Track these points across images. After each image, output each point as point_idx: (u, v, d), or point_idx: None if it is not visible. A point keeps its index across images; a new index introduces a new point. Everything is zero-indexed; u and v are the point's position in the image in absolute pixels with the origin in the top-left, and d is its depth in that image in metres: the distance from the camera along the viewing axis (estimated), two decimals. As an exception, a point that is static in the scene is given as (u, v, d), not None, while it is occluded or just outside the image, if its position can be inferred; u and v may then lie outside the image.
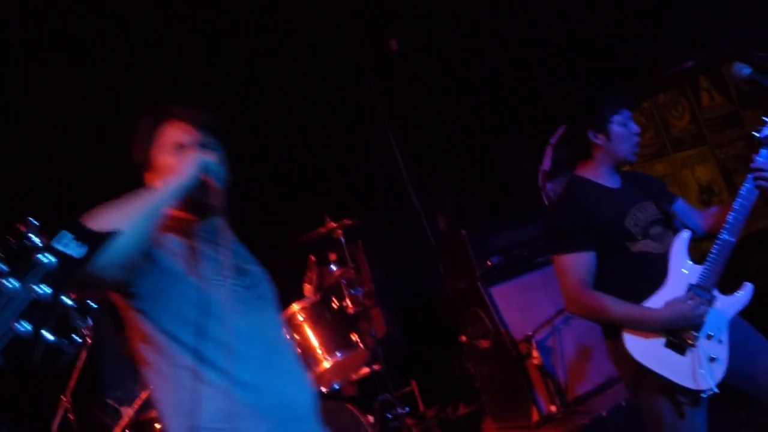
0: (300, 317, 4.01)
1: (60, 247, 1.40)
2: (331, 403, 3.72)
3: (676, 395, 2.65)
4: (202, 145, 2.10)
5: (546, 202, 5.45)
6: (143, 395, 3.69)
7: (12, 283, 1.32)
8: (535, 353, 4.51)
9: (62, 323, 1.39)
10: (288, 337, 3.02)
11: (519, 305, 4.73)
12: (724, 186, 7.47)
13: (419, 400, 5.60)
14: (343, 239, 4.52)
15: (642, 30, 5.32)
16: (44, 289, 1.36)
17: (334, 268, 4.35)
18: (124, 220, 1.75)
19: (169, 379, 1.94)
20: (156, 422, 3.79)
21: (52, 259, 1.38)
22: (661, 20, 5.34)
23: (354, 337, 4.02)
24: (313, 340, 3.94)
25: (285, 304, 4.70)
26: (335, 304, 4.07)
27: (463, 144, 6.20)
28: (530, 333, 4.53)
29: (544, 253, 4.95)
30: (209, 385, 1.91)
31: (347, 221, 4.50)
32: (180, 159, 2.03)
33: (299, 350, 3.92)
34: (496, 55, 5.83)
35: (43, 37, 5.28)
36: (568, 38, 5.50)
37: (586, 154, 2.93)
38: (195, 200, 2.01)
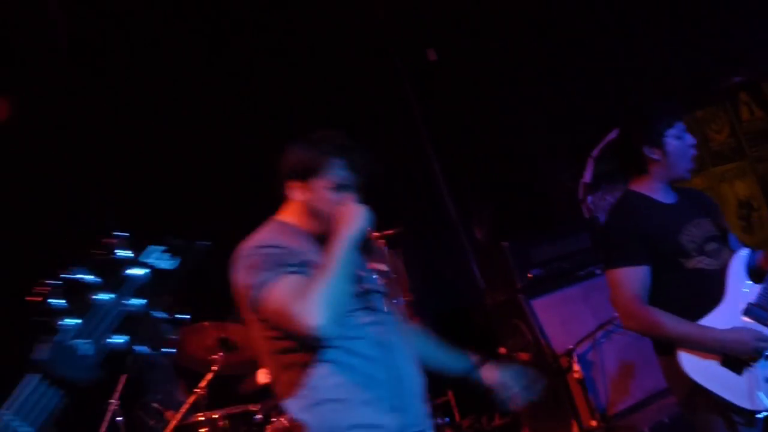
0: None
1: (150, 261, 1.44)
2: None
3: (731, 414, 2.64)
4: (354, 189, 2.42)
5: (587, 215, 5.44)
6: (190, 399, 3.74)
7: (106, 297, 1.36)
8: (576, 367, 4.51)
9: (154, 335, 1.43)
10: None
11: (560, 318, 4.73)
12: (763, 201, 7.39)
13: (455, 410, 5.60)
14: (386, 248, 4.53)
15: (686, 45, 5.32)
16: (136, 302, 1.40)
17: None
18: (335, 284, 2.16)
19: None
20: (200, 427, 3.85)
21: (143, 272, 1.42)
22: (704, 37, 5.34)
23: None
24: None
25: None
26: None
27: (502, 155, 6.22)
28: (571, 347, 4.52)
29: (586, 267, 4.96)
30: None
31: (390, 231, 4.52)
32: (338, 201, 2.35)
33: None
34: (536, 67, 5.85)
35: (91, 46, 5.40)
36: (611, 52, 5.52)
37: (640, 169, 2.93)
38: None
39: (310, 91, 6.03)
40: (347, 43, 6.26)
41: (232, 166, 5.48)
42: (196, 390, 3.82)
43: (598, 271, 4.79)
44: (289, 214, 2.46)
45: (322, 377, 2.28)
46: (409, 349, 2.47)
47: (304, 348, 2.27)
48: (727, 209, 7.29)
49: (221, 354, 3.95)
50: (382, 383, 2.31)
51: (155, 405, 4.13)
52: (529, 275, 4.76)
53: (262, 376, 4.35)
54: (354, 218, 2.28)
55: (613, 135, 5.34)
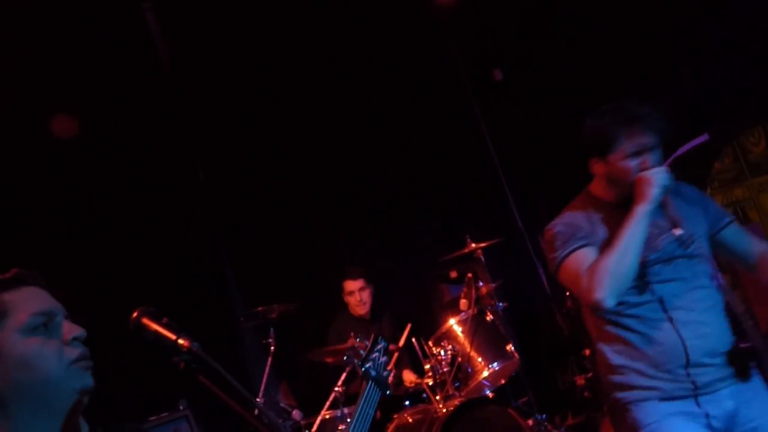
0: (458, 329, 4.39)
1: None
2: (494, 407, 4.08)
3: None
4: (651, 150, 2.50)
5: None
6: (330, 397, 4.07)
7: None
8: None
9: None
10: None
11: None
12: (802, 210, 7.69)
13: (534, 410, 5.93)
14: (483, 258, 4.90)
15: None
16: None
17: (481, 284, 4.71)
18: (620, 260, 2.37)
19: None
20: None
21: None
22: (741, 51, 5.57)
23: (509, 347, 4.39)
24: (472, 351, 4.33)
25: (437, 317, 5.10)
26: (489, 317, 4.43)
27: (566, 168, 6.52)
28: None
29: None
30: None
31: (488, 242, 4.87)
32: (635, 166, 2.47)
33: (459, 359, 4.29)
34: (599, 83, 6.11)
35: (193, 68, 5.77)
36: (673, 67, 5.76)
37: None
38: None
39: (384, 110, 6.41)
40: (419, 65, 6.62)
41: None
42: (335, 389, 4.14)
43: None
44: (596, 186, 2.65)
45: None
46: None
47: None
48: (767, 219, 7.61)
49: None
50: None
51: (283, 405, 4.44)
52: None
53: (408, 377, 4.71)
54: (647, 188, 2.42)
55: (682, 150, 5.70)
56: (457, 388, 4.42)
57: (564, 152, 6.75)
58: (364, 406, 2.32)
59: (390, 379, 2.56)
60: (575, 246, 2.49)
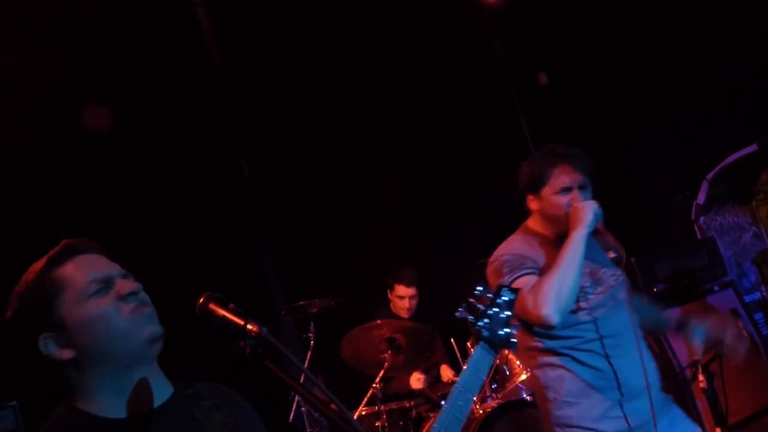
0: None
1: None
2: (531, 409, 4.08)
3: None
4: (581, 188, 2.72)
5: (699, 236, 5.71)
6: (368, 393, 4.10)
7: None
8: (701, 377, 4.78)
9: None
10: None
11: (682, 331, 5.00)
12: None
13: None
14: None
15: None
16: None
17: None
18: (562, 280, 2.53)
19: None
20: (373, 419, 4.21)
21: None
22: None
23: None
24: (510, 354, 4.33)
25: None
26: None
27: (612, 175, 6.48)
28: (696, 358, 4.80)
29: (703, 283, 5.25)
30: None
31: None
32: (566, 201, 2.70)
33: (497, 361, 4.30)
34: (650, 88, 6.06)
35: (242, 62, 5.85)
36: (723, 75, 5.69)
37: None
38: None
39: (430, 112, 6.44)
40: (464, 67, 6.63)
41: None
42: (373, 385, 4.18)
43: (716, 288, 5.11)
44: (533, 222, 2.86)
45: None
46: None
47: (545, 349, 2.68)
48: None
49: (389, 353, 4.31)
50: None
51: (323, 397, 4.48)
52: (654, 289, 5.06)
53: (415, 381, 4.73)
54: (582, 214, 2.62)
55: (729, 159, 5.65)
56: (495, 390, 4.43)
57: (604, 159, 6.76)
58: (472, 371, 2.07)
59: (513, 334, 2.14)
60: (522, 272, 2.65)
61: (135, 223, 4.78)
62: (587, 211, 2.61)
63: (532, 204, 2.82)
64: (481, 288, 2.24)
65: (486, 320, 2.16)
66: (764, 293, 5.61)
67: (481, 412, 4.12)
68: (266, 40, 5.88)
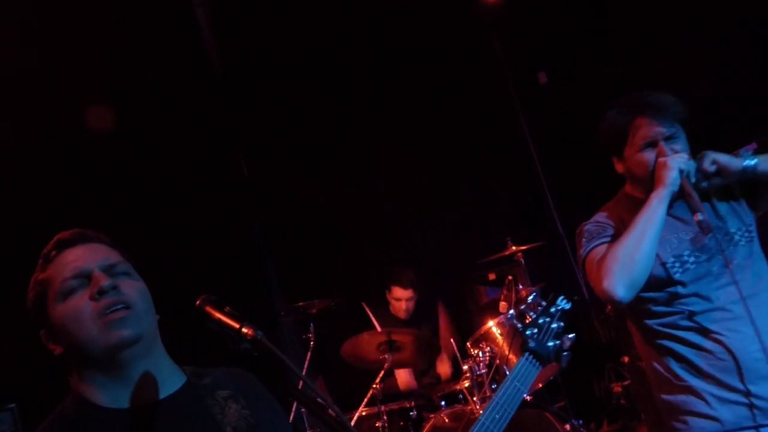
0: (496, 332, 4.39)
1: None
2: (531, 410, 4.08)
3: None
4: (668, 139, 2.35)
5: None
6: (368, 393, 4.11)
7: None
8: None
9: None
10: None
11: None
12: None
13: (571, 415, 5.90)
14: (523, 261, 4.90)
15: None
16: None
17: (521, 287, 4.71)
18: (631, 248, 2.23)
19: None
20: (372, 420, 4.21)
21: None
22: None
23: (548, 351, 4.37)
24: (511, 354, 4.32)
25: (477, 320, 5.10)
26: (528, 320, 4.42)
27: (606, 174, 6.49)
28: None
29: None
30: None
31: (528, 245, 4.88)
32: (651, 158, 2.34)
33: (497, 361, 4.30)
34: (648, 88, 6.05)
35: (241, 64, 5.85)
36: (723, 73, 5.67)
37: None
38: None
39: (428, 112, 6.44)
40: (463, 65, 6.63)
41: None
42: (373, 386, 4.18)
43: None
44: (629, 186, 2.53)
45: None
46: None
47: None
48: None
49: (388, 354, 4.31)
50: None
51: (319, 400, 4.48)
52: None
53: (404, 380, 4.74)
54: (664, 172, 2.28)
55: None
56: (495, 390, 4.42)
57: (605, 157, 6.76)
58: (513, 382, 1.94)
59: (564, 347, 2.00)
60: (599, 242, 2.38)
61: (134, 224, 4.77)
62: (671, 166, 2.28)
63: (618, 167, 2.50)
64: (534, 294, 2.10)
65: (534, 329, 2.03)
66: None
67: (481, 411, 4.11)
68: (265, 41, 5.88)
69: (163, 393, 1.54)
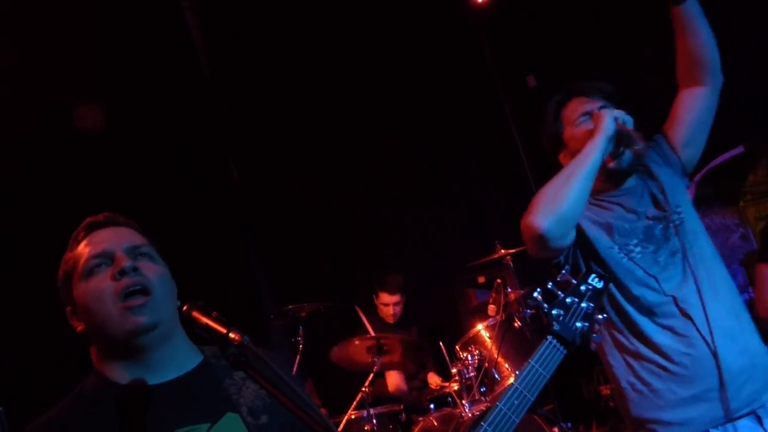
0: (485, 335, 4.40)
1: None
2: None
3: None
4: (603, 107, 2.35)
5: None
6: (357, 397, 4.10)
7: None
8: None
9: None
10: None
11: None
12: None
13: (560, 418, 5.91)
14: (512, 264, 4.91)
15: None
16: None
17: (510, 290, 4.72)
18: (559, 185, 2.16)
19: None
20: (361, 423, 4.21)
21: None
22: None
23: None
24: (499, 357, 4.34)
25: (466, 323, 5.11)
26: (516, 324, 4.45)
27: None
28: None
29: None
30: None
31: (517, 248, 4.88)
32: (586, 125, 2.30)
33: (486, 365, 4.31)
34: (636, 91, 6.08)
35: (230, 67, 5.84)
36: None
37: None
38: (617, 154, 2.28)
39: (417, 114, 6.45)
40: (451, 69, 6.64)
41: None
42: (362, 389, 4.18)
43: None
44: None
45: None
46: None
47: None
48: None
49: (377, 357, 4.31)
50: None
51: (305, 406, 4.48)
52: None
53: (395, 383, 4.75)
54: (599, 121, 2.24)
55: (716, 162, 5.68)
56: (483, 393, 4.42)
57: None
58: (535, 369, 1.80)
59: (594, 329, 1.85)
60: None
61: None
62: (603, 115, 2.25)
63: (566, 159, 2.41)
64: (566, 269, 1.95)
65: (560, 310, 1.88)
66: (752, 294, 5.64)
67: (470, 415, 4.12)
68: (254, 44, 5.88)
69: (176, 372, 1.59)
